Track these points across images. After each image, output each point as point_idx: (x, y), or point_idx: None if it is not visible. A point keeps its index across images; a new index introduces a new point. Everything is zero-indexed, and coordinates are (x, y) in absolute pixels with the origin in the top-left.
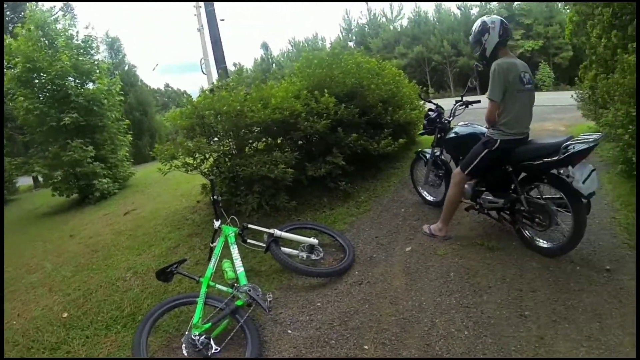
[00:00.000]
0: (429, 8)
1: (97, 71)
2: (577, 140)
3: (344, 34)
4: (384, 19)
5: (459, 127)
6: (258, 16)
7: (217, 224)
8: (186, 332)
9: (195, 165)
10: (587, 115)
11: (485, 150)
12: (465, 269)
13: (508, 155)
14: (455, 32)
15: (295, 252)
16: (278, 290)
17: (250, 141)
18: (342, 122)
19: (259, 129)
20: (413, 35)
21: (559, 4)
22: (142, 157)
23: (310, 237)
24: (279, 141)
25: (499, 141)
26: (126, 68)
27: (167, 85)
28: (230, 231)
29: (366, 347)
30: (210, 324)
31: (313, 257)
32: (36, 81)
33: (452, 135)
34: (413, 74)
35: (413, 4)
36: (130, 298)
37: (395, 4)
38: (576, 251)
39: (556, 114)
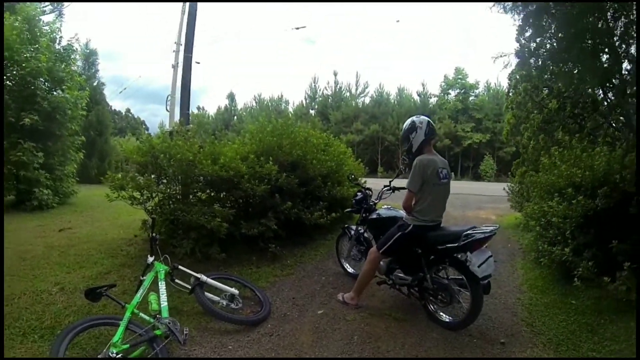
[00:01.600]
0: (392, 90)
1: (70, 82)
2: (477, 230)
3: (307, 100)
4: (348, 94)
5: (383, 209)
6: (231, 61)
7: (150, 259)
8: (104, 350)
9: (141, 200)
10: (514, 206)
11: (399, 233)
12: (369, 334)
13: (419, 239)
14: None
15: (216, 298)
16: (196, 329)
17: (195, 190)
18: (281, 190)
19: (205, 180)
20: (372, 114)
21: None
22: (88, 177)
23: (232, 288)
24: (221, 195)
25: (412, 226)
26: (95, 84)
27: (128, 111)
28: (162, 268)
29: None
30: (128, 345)
31: (232, 305)
32: (8, 73)
33: (375, 216)
34: (365, 151)
35: (377, 84)
36: (53, 312)
37: (361, 82)
38: (476, 326)
39: (492, 203)
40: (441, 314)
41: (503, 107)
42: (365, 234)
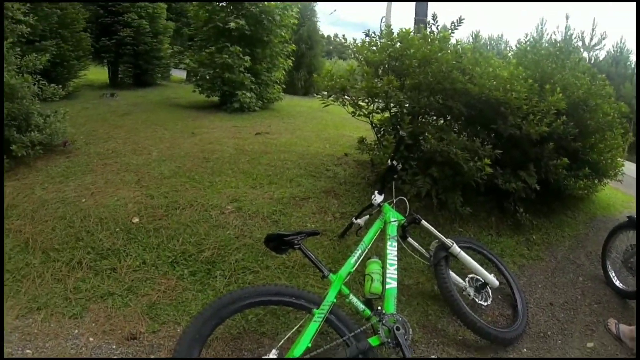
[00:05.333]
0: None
1: None
2: None
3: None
4: (579, 42)
5: None
6: None
7: (378, 198)
8: (266, 356)
9: (368, 111)
10: None
11: None
12: None
13: None
14: None
15: (462, 283)
16: (420, 328)
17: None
18: (549, 138)
19: (464, 102)
20: (607, 73)
21: None
22: (293, 88)
23: (487, 271)
24: (477, 128)
25: None
26: None
27: (335, 36)
28: (394, 217)
29: None
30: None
31: (478, 299)
32: None
33: None
34: None
35: (618, 37)
36: (218, 239)
37: (597, 32)
38: None
39: None
40: None
41: None
42: None
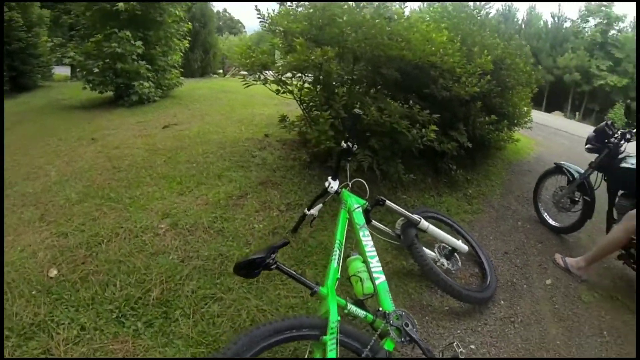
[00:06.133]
0: (522, 6)
1: None
2: None
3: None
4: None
5: (633, 159)
6: None
7: (334, 184)
8: None
9: (297, 88)
10: None
11: None
12: (616, 330)
13: None
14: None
15: (433, 254)
16: (408, 309)
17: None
18: (477, 98)
19: (397, 69)
20: (497, 30)
21: None
22: (189, 70)
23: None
24: (408, 96)
25: None
26: None
27: (224, 10)
28: (357, 203)
29: None
30: None
31: (451, 267)
32: None
33: (630, 166)
34: None
35: None
36: (162, 270)
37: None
38: None
39: None
40: None
41: None
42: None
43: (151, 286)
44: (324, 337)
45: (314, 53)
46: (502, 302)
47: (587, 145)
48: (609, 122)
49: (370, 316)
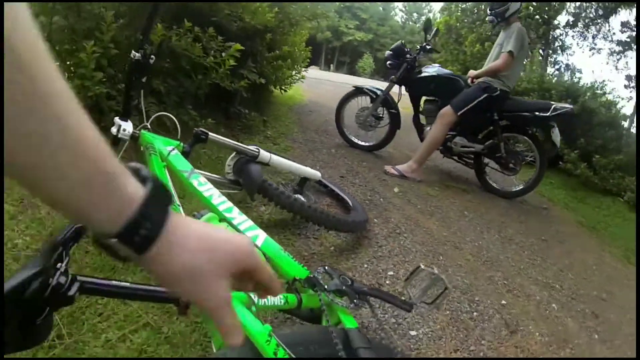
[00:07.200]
0: None
1: None
2: (560, 105)
3: None
4: None
5: (432, 67)
6: None
7: (128, 127)
8: None
9: None
10: None
11: (485, 95)
12: (469, 208)
13: (499, 104)
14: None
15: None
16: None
17: None
18: (264, 31)
19: None
20: None
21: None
22: None
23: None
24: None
25: (499, 89)
26: None
27: None
28: (168, 145)
29: None
30: None
31: (306, 201)
32: None
33: (429, 74)
34: None
35: None
36: None
37: None
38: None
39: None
40: (493, 183)
41: (390, 12)
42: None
43: None
44: None
45: None
46: (376, 220)
47: (388, 62)
48: (402, 42)
49: (292, 297)
